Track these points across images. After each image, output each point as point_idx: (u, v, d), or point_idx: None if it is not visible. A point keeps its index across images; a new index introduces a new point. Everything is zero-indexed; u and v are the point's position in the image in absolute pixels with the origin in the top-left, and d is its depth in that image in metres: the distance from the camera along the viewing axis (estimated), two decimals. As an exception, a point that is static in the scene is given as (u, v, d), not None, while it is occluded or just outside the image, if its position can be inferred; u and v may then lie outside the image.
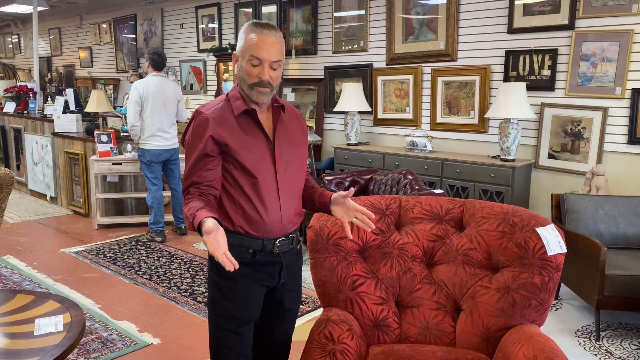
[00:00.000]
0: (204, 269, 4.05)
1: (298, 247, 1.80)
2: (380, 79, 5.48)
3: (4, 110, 6.98)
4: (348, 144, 5.39)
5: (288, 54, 6.35)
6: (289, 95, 6.46)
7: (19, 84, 7.30)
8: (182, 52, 7.90)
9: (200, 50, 7.60)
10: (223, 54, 6.81)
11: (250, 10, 6.84)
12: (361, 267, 2.00)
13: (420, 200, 2.17)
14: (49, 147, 6.11)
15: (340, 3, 5.80)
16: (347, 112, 5.37)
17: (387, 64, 5.41)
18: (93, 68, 9.95)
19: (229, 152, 1.60)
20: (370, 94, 5.52)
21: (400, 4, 5.22)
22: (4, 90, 7.14)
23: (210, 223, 1.39)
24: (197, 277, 3.89)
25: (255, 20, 1.66)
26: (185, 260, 4.26)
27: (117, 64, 9.31)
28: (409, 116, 5.28)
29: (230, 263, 1.38)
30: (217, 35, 7.34)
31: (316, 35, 6.09)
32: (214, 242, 1.37)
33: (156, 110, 4.58)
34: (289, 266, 1.75)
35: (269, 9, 6.62)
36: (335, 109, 5.55)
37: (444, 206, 2.13)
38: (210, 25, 7.46)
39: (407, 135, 4.96)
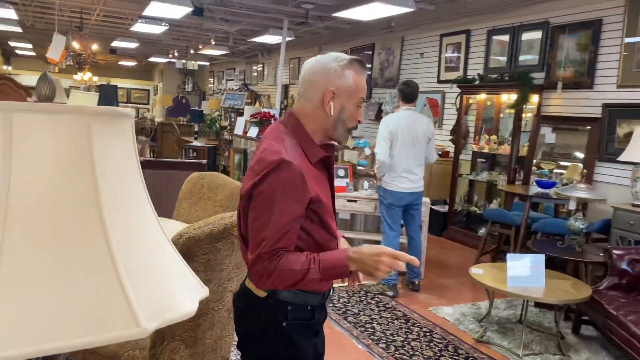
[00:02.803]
0: (449, 347, 3.30)
1: None
2: (693, 123, 4.11)
3: (248, 135, 7.31)
4: (634, 205, 4.14)
5: (553, 86, 5.33)
6: (548, 136, 5.40)
7: (262, 110, 7.63)
8: (420, 82, 7.40)
9: (440, 81, 7.01)
10: (468, 86, 6.09)
11: (506, 37, 6.00)
12: None
13: None
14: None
15: (635, 26, 4.59)
16: (638, 163, 4.14)
17: None
18: (325, 96, 10.15)
19: (315, 208, 1.44)
20: (674, 143, 4.18)
21: None
22: (250, 116, 7.52)
23: (356, 249, 1.41)
24: (442, 356, 3.16)
25: (355, 57, 1.50)
26: (424, 329, 3.57)
27: (349, 93, 9.30)
28: None
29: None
30: (461, 65, 6.66)
31: (594, 65, 4.96)
32: (382, 253, 1.39)
33: (404, 149, 4.05)
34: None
35: (532, 35, 5.69)
36: (619, 159, 4.35)
37: None
38: (453, 55, 6.82)
39: None
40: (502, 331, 3.60)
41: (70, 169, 0.64)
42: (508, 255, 3.31)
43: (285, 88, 11.79)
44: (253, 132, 7.24)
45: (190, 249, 1.86)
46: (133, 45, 12.85)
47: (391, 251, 1.40)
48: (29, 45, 14.72)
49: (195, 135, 8.56)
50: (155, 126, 12.56)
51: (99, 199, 0.64)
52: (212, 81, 17.69)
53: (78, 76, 18.28)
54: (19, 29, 10.88)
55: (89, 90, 16.57)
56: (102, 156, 0.66)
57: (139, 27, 9.32)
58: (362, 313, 3.79)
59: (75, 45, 9.21)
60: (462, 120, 6.30)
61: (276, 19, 8.40)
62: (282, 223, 1.36)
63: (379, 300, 4.07)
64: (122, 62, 18.96)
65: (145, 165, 3.80)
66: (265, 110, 7.49)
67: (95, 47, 10.02)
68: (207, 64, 16.61)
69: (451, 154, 6.50)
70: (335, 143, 1.58)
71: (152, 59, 16.85)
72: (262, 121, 7.20)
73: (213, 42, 10.38)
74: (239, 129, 7.73)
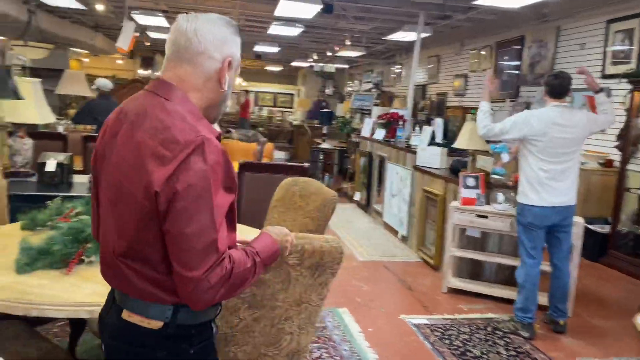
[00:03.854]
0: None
1: None
2: None
3: (374, 137, 6.85)
4: None
5: None
6: None
7: (390, 110, 7.11)
8: (580, 78, 6.29)
9: (605, 76, 5.84)
10: (642, 80, 4.93)
11: (698, 17, 4.73)
12: None
13: None
14: (408, 181, 5.51)
15: None
16: None
17: None
18: (465, 96, 9.29)
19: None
20: None
21: None
22: (377, 117, 7.05)
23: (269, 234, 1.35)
24: None
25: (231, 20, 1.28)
26: (566, 388, 2.77)
27: (492, 93, 8.35)
28: None
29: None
30: (634, 56, 5.46)
31: None
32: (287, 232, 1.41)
33: (549, 153, 3.26)
34: None
35: None
36: None
37: None
38: (623, 45, 5.61)
39: None
40: (683, 407, 2.65)
41: None
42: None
43: (423, 88, 11.09)
44: (379, 134, 6.76)
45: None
46: (275, 49, 13.15)
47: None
48: (186, 53, 15.91)
49: (324, 137, 8.32)
50: (292, 129, 12.75)
51: None
52: (351, 84, 17.57)
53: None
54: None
55: (240, 96, 17.50)
56: None
57: (275, 29, 9.39)
58: (485, 356, 3.09)
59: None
60: (633, 123, 5.13)
61: (412, 14, 7.82)
62: (222, 216, 1.12)
63: (509, 341, 3.32)
64: (268, 67, 19.75)
65: (245, 167, 3.54)
66: (394, 111, 6.96)
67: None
68: (346, 66, 16.52)
69: (616, 164, 5.35)
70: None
71: (295, 63, 17.24)
72: (390, 122, 6.69)
73: (348, 43, 10.10)
74: (365, 131, 7.30)
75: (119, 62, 16.07)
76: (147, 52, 15.90)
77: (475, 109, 8.39)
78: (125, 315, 1.18)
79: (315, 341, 3.11)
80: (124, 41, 4.61)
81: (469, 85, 9.21)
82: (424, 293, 4.15)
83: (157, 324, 1.17)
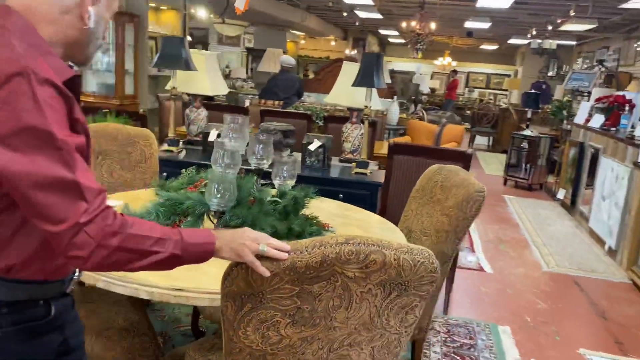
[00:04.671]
0: None
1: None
2: None
3: (589, 125, 5.70)
4: None
5: None
6: None
7: (615, 93, 5.81)
8: None
9: None
10: None
11: None
12: None
13: None
14: (625, 181, 4.40)
15: None
16: None
17: None
18: None
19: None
20: None
21: None
22: (595, 100, 5.85)
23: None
24: None
25: None
26: None
27: None
28: None
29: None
30: None
31: None
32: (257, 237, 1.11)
33: None
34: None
35: None
36: None
37: None
38: None
39: None
40: None
41: None
42: None
43: (672, 68, 8.95)
44: (597, 121, 5.59)
45: (253, 287, 1.13)
46: (486, 25, 12.11)
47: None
48: (395, 32, 15.74)
49: (527, 123, 7.28)
50: (497, 112, 11.69)
51: None
52: (579, 62, 15.30)
53: (438, 61, 18.80)
54: (379, 16, 11.59)
55: (450, 75, 16.76)
56: None
57: (484, 1, 8.54)
58: None
59: (413, 24, 9.14)
60: None
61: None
62: (80, 160, 0.93)
63: None
64: (483, 46, 18.44)
65: (394, 149, 3.15)
66: (619, 93, 5.66)
67: (433, 26, 9.70)
68: (573, 43, 14.41)
69: None
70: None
71: (512, 41, 15.73)
72: (612, 107, 5.47)
73: (572, 13, 8.64)
74: (580, 117, 6.14)
75: (333, 43, 16.71)
76: (358, 32, 16.19)
77: None
78: None
79: (456, 360, 2.63)
80: (240, 1, 4.61)
81: None
82: (621, 325, 3.23)
83: None
